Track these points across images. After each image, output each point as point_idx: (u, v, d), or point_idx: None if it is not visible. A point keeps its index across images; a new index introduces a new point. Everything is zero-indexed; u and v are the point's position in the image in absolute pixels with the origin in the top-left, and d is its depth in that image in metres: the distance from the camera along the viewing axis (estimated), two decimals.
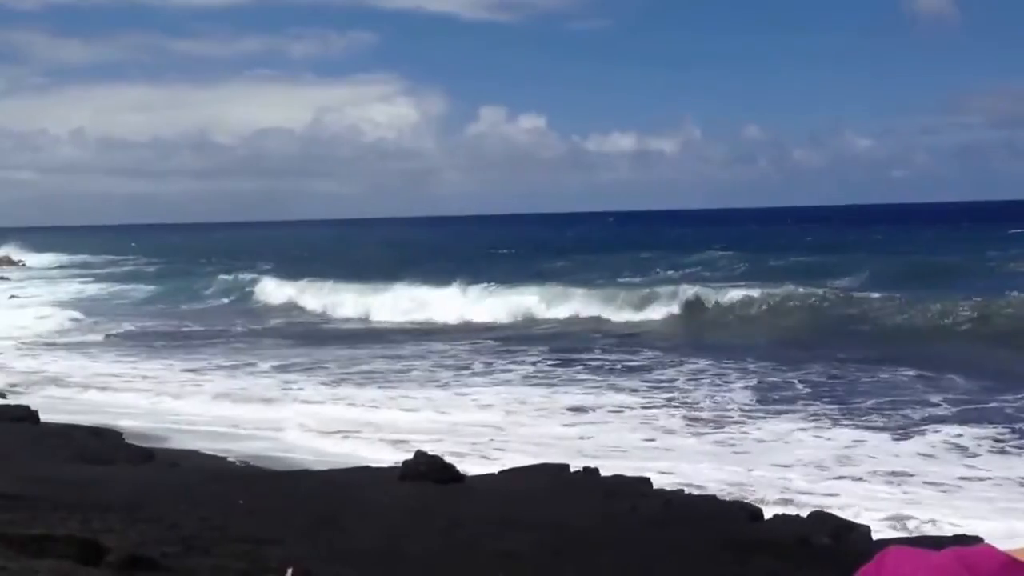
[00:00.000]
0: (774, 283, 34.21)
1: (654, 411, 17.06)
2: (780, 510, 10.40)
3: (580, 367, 22.48)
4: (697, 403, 17.73)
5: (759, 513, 10.05)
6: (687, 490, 11.24)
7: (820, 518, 9.79)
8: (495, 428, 15.89)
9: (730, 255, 54.59)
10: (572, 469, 11.49)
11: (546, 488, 10.45)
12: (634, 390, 19.10)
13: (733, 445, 14.48)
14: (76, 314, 35.70)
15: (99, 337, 30.11)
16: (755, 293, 32.14)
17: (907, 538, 9.38)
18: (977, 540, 8.17)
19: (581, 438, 15.17)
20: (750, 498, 11.18)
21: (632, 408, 17.40)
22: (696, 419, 16.27)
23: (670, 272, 50.13)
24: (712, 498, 10.80)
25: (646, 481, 11.21)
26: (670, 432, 15.43)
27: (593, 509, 9.79)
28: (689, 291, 33.27)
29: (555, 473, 11.28)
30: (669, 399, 18.16)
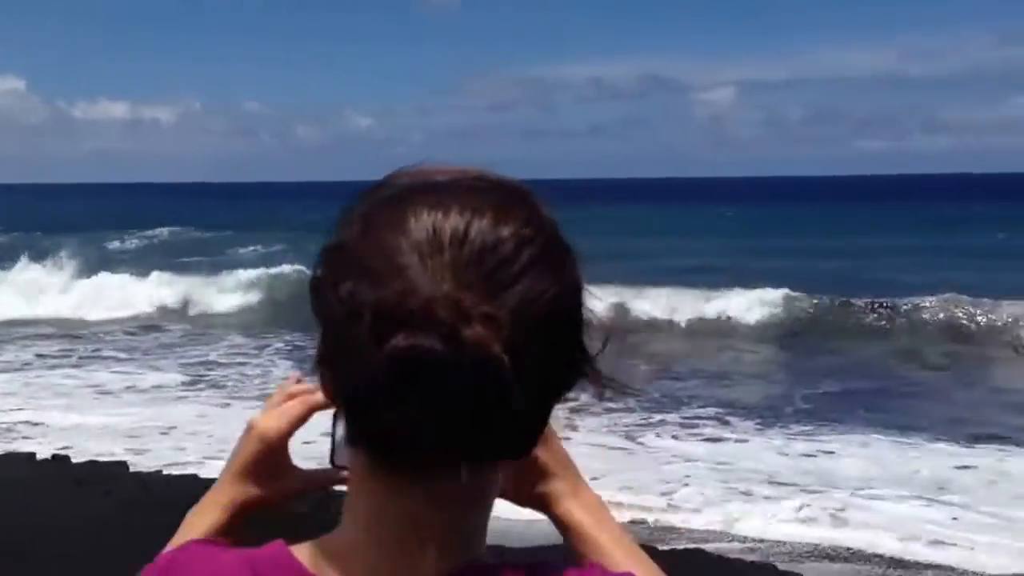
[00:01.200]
0: (271, 260, 33.54)
1: (192, 390, 16.72)
2: None
3: (101, 345, 21.58)
4: (234, 379, 17.60)
5: None
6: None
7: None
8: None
9: (217, 232, 53.46)
10: (39, 457, 11.00)
11: (8, 479, 9.90)
12: (170, 369, 18.56)
13: None
14: None
15: None
16: (265, 270, 30.89)
17: None
18: None
19: (109, 420, 14.29)
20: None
21: (170, 386, 16.91)
22: (240, 396, 16.07)
23: (140, 238, 48.72)
24: (192, 477, 10.79)
25: (122, 464, 11.03)
26: (216, 407, 15.20)
27: (63, 497, 9.42)
28: (197, 270, 31.84)
29: (19, 463, 10.74)
30: (207, 377, 17.87)
